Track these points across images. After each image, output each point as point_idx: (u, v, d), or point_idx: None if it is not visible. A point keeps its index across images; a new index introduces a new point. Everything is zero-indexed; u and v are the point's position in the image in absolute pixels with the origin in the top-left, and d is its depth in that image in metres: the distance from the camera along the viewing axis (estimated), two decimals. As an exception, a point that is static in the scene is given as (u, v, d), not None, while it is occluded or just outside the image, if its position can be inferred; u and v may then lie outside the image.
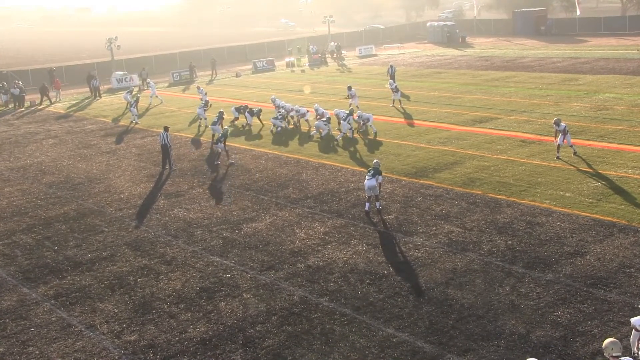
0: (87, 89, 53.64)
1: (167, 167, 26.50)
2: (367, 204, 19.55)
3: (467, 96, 37.90)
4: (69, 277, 16.61)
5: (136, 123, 37.71)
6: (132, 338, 13.31)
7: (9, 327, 14.17)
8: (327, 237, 17.89)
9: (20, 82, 52.10)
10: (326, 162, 25.52)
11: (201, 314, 14.09)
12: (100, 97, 51.02)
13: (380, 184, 19.56)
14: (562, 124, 23.39)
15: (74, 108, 46.28)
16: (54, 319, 14.43)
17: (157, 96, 45.22)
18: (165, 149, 26.40)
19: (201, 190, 23.31)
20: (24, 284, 16.40)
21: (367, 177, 19.49)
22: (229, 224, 19.63)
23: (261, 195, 22.08)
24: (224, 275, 15.95)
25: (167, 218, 20.58)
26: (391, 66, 46.16)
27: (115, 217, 21.07)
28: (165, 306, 14.58)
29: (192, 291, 15.24)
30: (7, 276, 16.95)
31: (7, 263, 17.87)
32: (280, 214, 20.13)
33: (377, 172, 19.43)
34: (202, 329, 13.42)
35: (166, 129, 26.79)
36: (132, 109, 38.65)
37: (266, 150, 28.32)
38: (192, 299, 14.85)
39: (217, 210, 20.95)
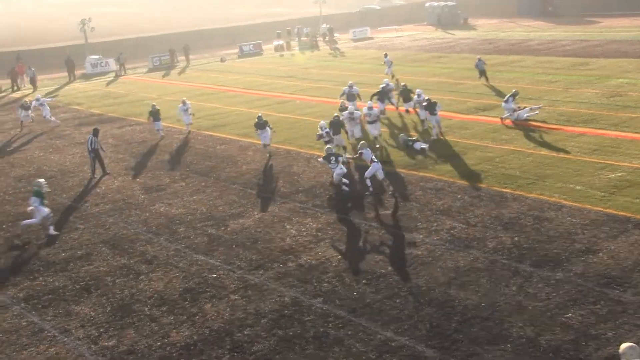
0: (65, 74, 53.56)
1: (99, 172, 25.07)
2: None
3: (469, 82, 37.93)
4: (40, 278, 16.54)
5: (31, 121, 35.40)
6: (110, 343, 13.27)
7: (-24, 333, 14.11)
8: (320, 234, 17.88)
9: None
10: (318, 154, 25.43)
11: (185, 317, 14.06)
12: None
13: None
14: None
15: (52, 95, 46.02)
16: (24, 323, 14.37)
17: (51, 118, 35.82)
18: (97, 154, 25.03)
19: (184, 184, 23.24)
20: (-8, 285, 16.33)
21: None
22: (214, 219, 19.58)
23: (249, 189, 22.02)
24: (210, 275, 15.92)
25: (147, 214, 20.52)
26: (480, 59, 38.17)
27: (91, 213, 20.99)
28: (146, 309, 14.55)
29: (175, 292, 15.20)
30: (-27, 277, 16.87)
31: (-26, 263, 17.78)
32: (270, 209, 20.10)
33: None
34: (186, 333, 13.40)
35: (95, 132, 25.36)
36: (46, 116, 35.35)
37: (254, 141, 28.24)
38: (175, 300, 14.82)
39: (202, 205, 20.90)
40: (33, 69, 50.98)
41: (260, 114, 26.96)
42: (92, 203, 21.93)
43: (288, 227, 18.62)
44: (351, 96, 30.22)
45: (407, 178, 21.78)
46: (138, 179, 24.23)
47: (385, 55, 43.24)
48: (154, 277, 16.08)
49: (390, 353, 12.16)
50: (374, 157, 20.95)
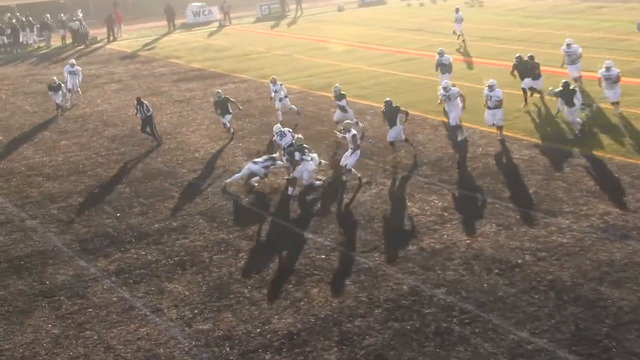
0: (164, 23, 55.16)
1: (155, 138, 25.61)
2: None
3: (636, 38, 36.30)
4: (132, 250, 17.21)
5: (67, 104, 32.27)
6: (205, 327, 13.66)
7: (64, 306, 14.86)
8: (446, 214, 17.70)
9: (80, 13, 53.96)
10: (447, 120, 25.11)
11: (288, 301, 14.28)
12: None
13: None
14: None
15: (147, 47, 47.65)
16: (114, 299, 15.01)
17: (78, 91, 33.75)
18: (149, 121, 25.35)
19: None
20: (81, 255, 17.14)
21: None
22: (325, 193, 19.73)
23: (365, 159, 22.00)
24: (318, 256, 16.08)
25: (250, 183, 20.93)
26: None
27: (188, 180, 21.61)
28: (246, 290, 14.86)
29: (278, 274, 15.45)
30: (62, 246, 17.76)
31: (63, 230, 18.72)
32: (389, 183, 20.06)
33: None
34: (289, 320, 13.60)
35: (139, 101, 25.29)
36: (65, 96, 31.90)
37: (372, 104, 28.19)
38: (278, 283, 15.07)
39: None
40: (84, 23, 52.09)
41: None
42: (190, 169, 22.55)
43: (409, 204, 18.53)
44: (444, 67, 27.74)
45: (552, 152, 21.17)
46: (240, 144, 24.71)
47: (457, 10, 40.89)
48: (256, 255, 16.40)
49: (525, 357, 11.92)
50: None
